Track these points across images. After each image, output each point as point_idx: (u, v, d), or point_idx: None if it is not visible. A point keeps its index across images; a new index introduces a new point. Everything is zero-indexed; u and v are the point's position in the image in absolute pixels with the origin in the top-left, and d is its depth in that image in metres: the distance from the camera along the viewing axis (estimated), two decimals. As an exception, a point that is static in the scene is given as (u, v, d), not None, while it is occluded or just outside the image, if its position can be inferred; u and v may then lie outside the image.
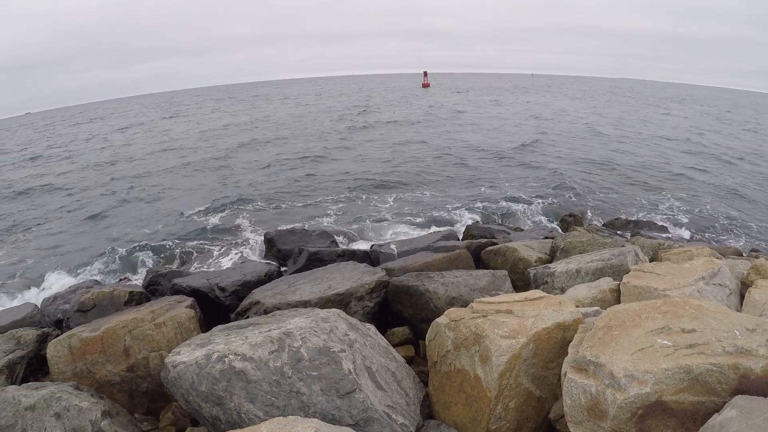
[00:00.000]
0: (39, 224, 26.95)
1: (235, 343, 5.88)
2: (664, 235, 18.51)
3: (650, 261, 10.37)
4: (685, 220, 21.69)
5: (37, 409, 6.71)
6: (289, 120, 63.87)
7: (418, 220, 21.08)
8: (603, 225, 19.80)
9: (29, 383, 8.25)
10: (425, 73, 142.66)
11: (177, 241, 21.31)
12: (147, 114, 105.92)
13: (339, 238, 18.44)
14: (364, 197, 25.50)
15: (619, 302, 7.42)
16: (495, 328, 5.69)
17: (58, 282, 18.02)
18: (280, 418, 4.84)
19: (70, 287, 15.86)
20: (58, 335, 10.87)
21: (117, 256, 20.32)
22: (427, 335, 6.72)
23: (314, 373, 5.54)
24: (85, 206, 29.07)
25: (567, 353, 5.15)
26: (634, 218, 20.67)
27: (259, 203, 26.06)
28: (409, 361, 8.11)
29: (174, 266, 18.00)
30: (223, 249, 19.75)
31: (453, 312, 6.43)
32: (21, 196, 33.73)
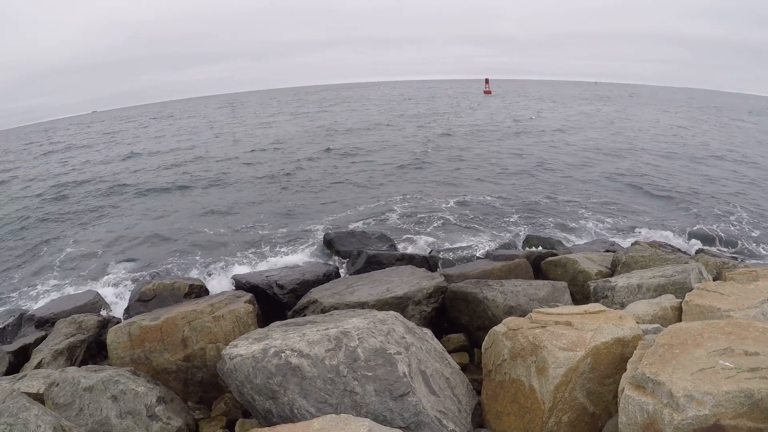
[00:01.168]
0: (108, 218, 27.69)
1: (292, 340, 5.93)
2: (729, 254, 18.00)
3: (714, 280, 10.12)
4: (754, 238, 20.95)
5: (95, 391, 6.90)
6: (358, 125, 63.40)
7: (480, 226, 20.89)
8: (666, 241, 19.30)
9: (88, 366, 8.48)
10: (487, 80, 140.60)
11: (239, 238, 21.60)
12: (212, 116, 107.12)
13: (398, 242, 18.42)
14: (428, 202, 25.27)
15: (680, 320, 7.26)
16: (554, 339, 5.62)
17: (121, 273, 18.45)
18: (333, 415, 4.86)
19: (132, 278, 16.23)
20: (118, 322, 11.13)
21: (180, 251, 20.71)
22: (483, 343, 6.66)
23: (369, 374, 5.56)
24: (154, 206, 29.70)
25: (624, 369, 5.07)
26: (702, 234, 20.09)
27: (323, 205, 26.24)
28: (463, 368, 8.05)
29: (234, 263, 18.23)
30: (282, 248, 19.91)
31: (511, 321, 6.37)
32: (92, 190, 34.71)
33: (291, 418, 5.47)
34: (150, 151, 52.06)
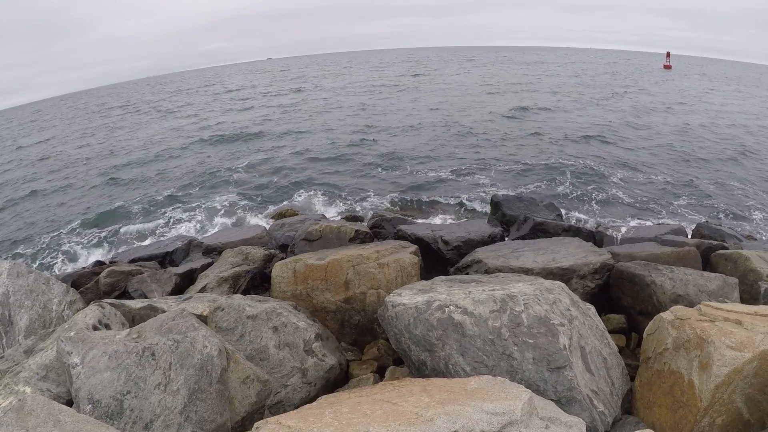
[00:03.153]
0: (271, 161, 29.12)
1: (457, 296, 5.99)
2: None
3: None
4: None
5: (258, 320, 7.25)
6: (545, 89, 61.75)
7: (651, 207, 20.14)
8: None
9: (253, 296, 8.90)
10: (668, 54, 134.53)
11: (407, 190, 22.00)
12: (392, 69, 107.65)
13: (566, 212, 18.18)
14: (600, 175, 24.68)
15: None
16: (722, 336, 5.38)
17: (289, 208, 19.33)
18: (489, 377, 4.89)
19: (298, 217, 16.82)
20: (282, 258, 11.59)
21: (347, 197, 21.36)
22: (646, 328, 6.47)
23: (530, 341, 5.55)
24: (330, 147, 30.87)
25: (790, 381, 4.84)
26: None
27: (499, 165, 26.14)
28: (619, 351, 7.91)
29: (398, 213, 18.57)
30: (448, 204, 20.09)
31: (679, 310, 6.15)
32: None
33: (444, 373, 5.56)
34: (336, 104, 53.37)
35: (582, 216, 18.59)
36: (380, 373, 7.75)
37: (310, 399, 6.42)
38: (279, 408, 6.48)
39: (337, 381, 7.44)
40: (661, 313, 6.27)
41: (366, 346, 8.86)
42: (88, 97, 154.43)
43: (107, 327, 7.20)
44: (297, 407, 6.13)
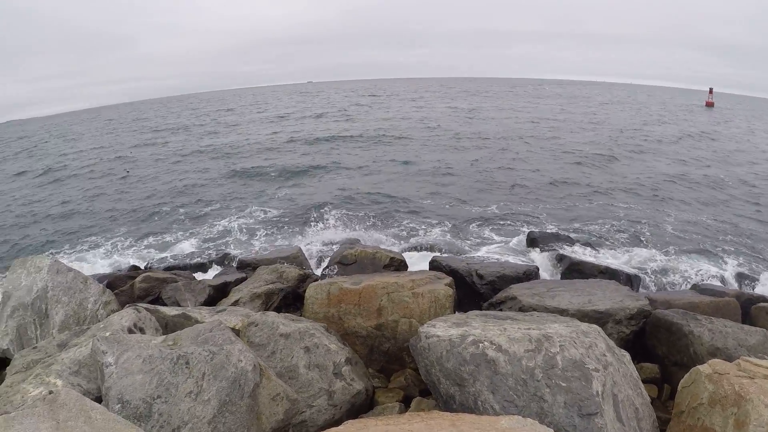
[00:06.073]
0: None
1: (492, 332, 5.94)
2: None
3: None
4: None
5: (291, 339, 7.29)
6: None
7: (692, 253, 19.34)
8: None
9: (286, 314, 8.94)
10: (711, 90, 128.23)
11: (447, 222, 21.84)
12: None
13: (602, 253, 17.79)
14: (649, 217, 24.03)
15: None
16: (761, 394, 5.24)
17: (323, 234, 19.34)
18: (519, 417, 4.82)
19: (335, 241, 16.93)
20: (316, 279, 11.63)
21: (389, 224, 21.40)
22: (682, 380, 6.31)
23: (563, 384, 5.45)
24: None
25: (828, 445, 4.69)
26: None
27: (548, 204, 25.71)
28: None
29: (434, 243, 18.47)
30: (486, 238, 19.79)
31: (718, 364, 6.00)
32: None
33: (473, 409, 5.50)
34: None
35: (619, 257, 18.09)
36: (405, 403, 7.70)
37: (335, 422, 6.39)
38: (302, 427, 6.47)
39: (362, 406, 7.40)
40: (699, 366, 6.10)
41: (393, 374, 8.80)
42: (128, 109, 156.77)
43: (141, 330, 7.35)
44: (320, 428, 6.15)
